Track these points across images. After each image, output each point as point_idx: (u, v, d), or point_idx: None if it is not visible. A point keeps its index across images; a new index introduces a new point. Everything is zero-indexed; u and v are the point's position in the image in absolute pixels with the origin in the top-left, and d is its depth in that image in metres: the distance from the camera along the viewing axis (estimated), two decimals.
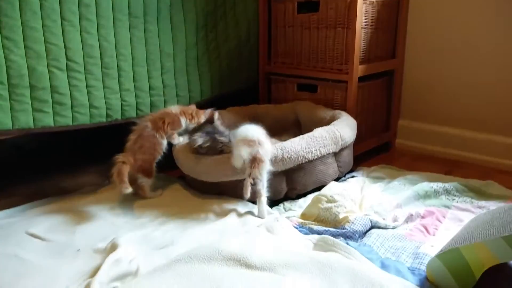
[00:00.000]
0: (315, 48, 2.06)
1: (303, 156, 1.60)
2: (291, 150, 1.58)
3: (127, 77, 1.85)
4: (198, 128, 1.66)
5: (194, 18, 2.04)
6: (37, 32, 1.60)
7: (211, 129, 1.66)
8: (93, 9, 1.71)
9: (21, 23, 1.56)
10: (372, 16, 2.00)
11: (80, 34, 1.70)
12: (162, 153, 1.68)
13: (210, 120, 1.72)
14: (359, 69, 1.95)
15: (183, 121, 1.72)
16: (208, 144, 1.60)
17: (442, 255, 1.11)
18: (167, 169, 1.79)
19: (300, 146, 1.60)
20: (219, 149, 1.59)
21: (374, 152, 2.20)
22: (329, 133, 1.69)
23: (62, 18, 1.65)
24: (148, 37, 1.89)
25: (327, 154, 1.69)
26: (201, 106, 2.11)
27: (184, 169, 1.71)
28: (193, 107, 1.79)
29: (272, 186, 1.60)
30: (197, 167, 1.62)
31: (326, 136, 1.68)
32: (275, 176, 1.59)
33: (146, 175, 1.63)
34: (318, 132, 1.69)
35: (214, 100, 2.20)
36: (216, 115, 1.72)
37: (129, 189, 1.50)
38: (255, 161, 1.43)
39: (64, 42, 1.66)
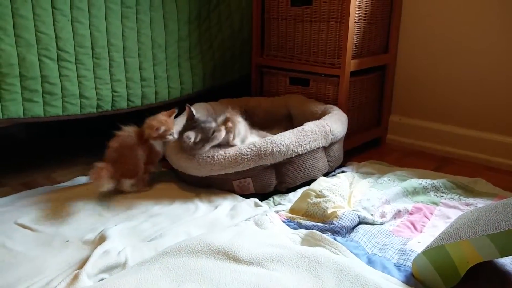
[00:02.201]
0: (308, 42, 2.06)
1: (292, 150, 1.61)
2: (280, 143, 1.58)
3: (118, 67, 1.84)
4: (184, 129, 1.62)
5: (187, 9, 2.03)
6: (27, 20, 1.59)
7: (195, 124, 1.60)
8: None
9: (11, 12, 1.55)
10: (366, 10, 2.00)
11: (71, 24, 1.69)
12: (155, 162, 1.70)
13: (189, 117, 1.64)
14: (351, 64, 1.95)
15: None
16: (200, 136, 1.57)
17: (428, 252, 1.12)
18: (159, 161, 1.78)
19: (289, 140, 1.61)
20: (212, 135, 1.57)
21: (365, 147, 2.21)
22: (319, 127, 1.70)
23: (53, 7, 1.63)
24: (140, 27, 1.88)
25: (316, 148, 1.70)
26: (193, 98, 2.11)
27: (173, 164, 1.70)
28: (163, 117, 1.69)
29: (261, 180, 1.61)
30: (185, 163, 1.61)
31: (316, 130, 1.68)
32: (264, 169, 1.60)
33: (130, 178, 1.62)
34: (308, 126, 1.69)
35: (206, 92, 2.20)
36: (193, 110, 1.64)
37: (106, 187, 1.52)
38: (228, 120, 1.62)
39: (55, 31, 1.65)
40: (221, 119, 1.64)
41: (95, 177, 1.52)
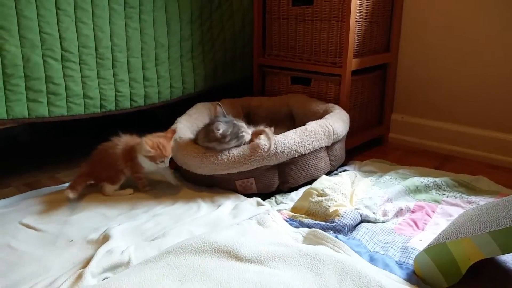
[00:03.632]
0: (309, 41, 2.06)
1: (295, 150, 1.62)
2: (284, 144, 1.59)
3: (121, 67, 1.85)
4: (211, 123, 1.62)
5: (189, 9, 2.04)
6: (31, 21, 1.60)
7: (226, 119, 1.62)
8: None
9: (16, 12, 1.56)
10: (367, 9, 2.00)
11: (75, 24, 1.70)
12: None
13: (219, 115, 1.65)
14: (352, 63, 1.96)
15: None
16: (230, 130, 1.57)
17: (429, 250, 1.13)
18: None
19: (293, 140, 1.61)
20: (241, 133, 1.60)
21: (367, 146, 2.22)
22: (321, 127, 1.70)
23: (57, 7, 1.65)
24: (143, 27, 1.89)
25: (319, 148, 1.70)
26: (195, 97, 2.13)
27: (178, 161, 1.71)
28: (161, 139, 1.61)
29: (264, 179, 1.62)
30: (190, 161, 1.63)
31: (319, 130, 1.69)
32: (267, 169, 1.61)
33: (111, 184, 1.63)
34: (311, 126, 1.70)
35: (208, 92, 2.21)
36: (219, 109, 1.66)
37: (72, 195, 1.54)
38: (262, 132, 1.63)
39: (59, 32, 1.67)
40: (252, 129, 1.68)
41: (71, 187, 1.56)
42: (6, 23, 1.54)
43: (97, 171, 1.61)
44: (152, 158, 1.57)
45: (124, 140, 1.63)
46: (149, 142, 1.56)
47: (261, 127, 1.67)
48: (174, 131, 1.69)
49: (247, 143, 1.62)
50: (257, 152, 1.55)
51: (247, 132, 1.63)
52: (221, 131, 1.56)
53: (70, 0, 1.67)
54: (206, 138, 1.61)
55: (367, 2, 1.99)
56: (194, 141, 1.68)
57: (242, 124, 1.63)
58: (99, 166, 1.60)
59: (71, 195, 1.52)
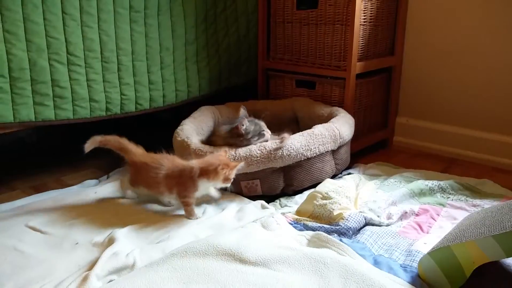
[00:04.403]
0: (313, 45, 2.07)
1: (302, 154, 1.62)
2: (290, 147, 1.59)
3: (126, 71, 1.86)
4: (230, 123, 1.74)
5: (194, 13, 2.05)
6: (38, 25, 1.61)
7: (249, 119, 1.73)
8: (94, 3, 1.72)
9: (23, 17, 1.58)
10: (371, 13, 2.01)
11: (81, 28, 1.72)
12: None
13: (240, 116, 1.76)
14: (357, 66, 1.96)
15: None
16: (252, 127, 1.69)
17: (434, 253, 1.13)
18: None
19: (299, 143, 1.62)
20: (262, 131, 1.70)
21: (372, 149, 2.22)
22: (328, 131, 1.70)
23: (63, 11, 1.66)
24: (148, 31, 1.90)
25: (325, 152, 1.70)
26: (200, 101, 2.13)
27: None
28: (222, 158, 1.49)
29: (269, 181, 1.62)
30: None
31: (326, 134, 1.69)
32: (272, 171, 1.61)
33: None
34: (318, 129, 1.70)
35: (213, 95, 2.22)
36: (243, 110, 1.77)
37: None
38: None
39: (65, 36, 1.68)
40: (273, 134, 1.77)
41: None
42: (13, 28, 1.56)
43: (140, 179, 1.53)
44: (227, 181, 1.46)
45: (169, 163, 1.48)
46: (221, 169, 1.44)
47: (286, 134, 1.67)
48: (226, 151, 1.56)
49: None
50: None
51: (267, 131, 1.72)
52: (244, 126, 1.66)
53: (76, 5, 1.68)
54: (229, 134, 1.70)
55: (372, 6, 1.99)
56: (207, 141, 1.73)
57: (263, 124, 1.74)
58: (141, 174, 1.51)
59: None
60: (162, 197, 1.54)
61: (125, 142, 1.55)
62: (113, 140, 1.55)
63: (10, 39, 1.56)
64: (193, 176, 1.43)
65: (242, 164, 1.50)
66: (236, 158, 1.57)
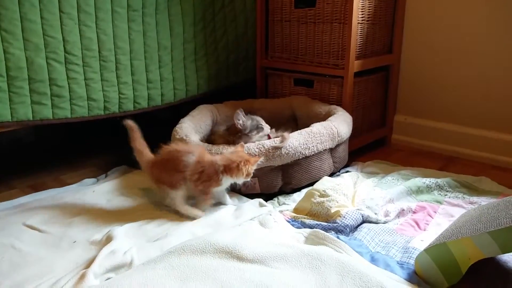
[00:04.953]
0: (311, 43, 2.07)
1: (300, 152, 1.62)
2: (289, 145, 1.59)
3: (124, 70, 1.87)
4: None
5: (192, 11, 2.05)
6: (35, 24, 1.61)
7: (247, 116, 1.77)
8: (91, 1, 1.72)
9: (20, 16, 1.58)
10: (369, 11, 2.01)
11: (79, 27, 1.72)
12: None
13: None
14: (355, 64, 1.96)
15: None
16: (249, 122, 1.73)
17: (430, 250, 1.13)
18: None
19: (298, 142, 1.62)
20: (259, 125, 1.75)
21: (370, 147, 2.22)
22: (326, 129, 1.71)
23: (60, 10, 1.66)
24: (146, 30, 1.90)
25: (323, 150, 1.71)
26: (198, 99, 2.14)
27: None
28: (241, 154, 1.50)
29: (267, 180, 1.62)
30: None
31: (324, 132, 1.69)
32: (271, 170, 1.61)
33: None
34: (316, 128, 1.70)
35: (211, 94, 2.22)
36: (239, 111, 1.77)
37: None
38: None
39: (62, 34, 1.68)
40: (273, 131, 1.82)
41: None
42: (10, 27, 1.56)
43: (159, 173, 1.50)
44: (248, 176, 1.48)
45: (198, 152, 1.49)
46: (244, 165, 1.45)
47: (285, 134, 1.67)
48: (243, 145, 1.56)
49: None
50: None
51: (265, 125, 1.75)
52: (241, 121, 1.68)
53: (74, 4, 1.68)
54: (228, 132, 1.74)
55: (369, 4, 2.00)
56: (206, 141, 1.75)
57: (261, 118, 1.78)
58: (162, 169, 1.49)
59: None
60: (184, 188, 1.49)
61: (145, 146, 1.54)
62: (139, 141, 1.54)
63: (8, 38, 1.56)
64: (218, 172, 1.45)
65: (262, 159, 1.52)
66: None
